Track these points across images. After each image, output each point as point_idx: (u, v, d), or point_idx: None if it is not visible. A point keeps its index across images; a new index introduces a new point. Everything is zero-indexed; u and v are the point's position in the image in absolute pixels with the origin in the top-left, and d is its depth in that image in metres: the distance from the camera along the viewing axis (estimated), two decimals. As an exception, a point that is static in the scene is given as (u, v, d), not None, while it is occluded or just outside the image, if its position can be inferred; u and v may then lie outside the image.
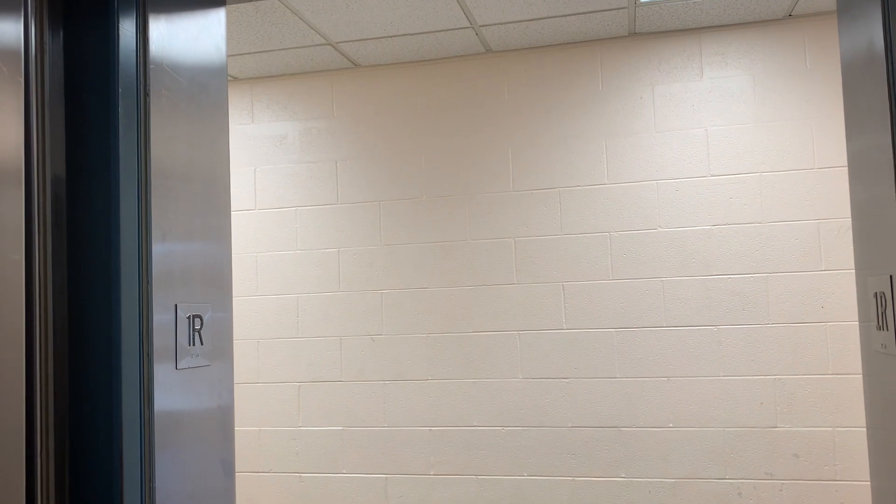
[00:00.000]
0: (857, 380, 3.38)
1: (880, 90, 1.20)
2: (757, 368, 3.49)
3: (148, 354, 1.22)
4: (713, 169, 3.59)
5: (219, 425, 1.47)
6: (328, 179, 4.03)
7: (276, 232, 4.08)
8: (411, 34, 3.58)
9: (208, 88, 1.55)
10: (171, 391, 1.29)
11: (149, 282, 1.24)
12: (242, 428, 3.96)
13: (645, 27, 3.61)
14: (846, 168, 3.44)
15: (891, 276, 1.15)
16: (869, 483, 3.33)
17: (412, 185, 3.93)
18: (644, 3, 3.31)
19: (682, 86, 3.66)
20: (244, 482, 3.95)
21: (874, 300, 1.23)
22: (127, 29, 1.26)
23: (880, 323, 1.20)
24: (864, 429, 3.35)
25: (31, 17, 1.15)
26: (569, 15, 3.43)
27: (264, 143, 4.13)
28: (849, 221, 3.43)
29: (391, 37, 3.60)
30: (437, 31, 3.56)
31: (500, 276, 3.79)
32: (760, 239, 3.52)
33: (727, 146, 3.59)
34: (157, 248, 1.27)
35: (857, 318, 3.38)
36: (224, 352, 1.50)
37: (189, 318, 1.34)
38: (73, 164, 1.23)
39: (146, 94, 1.27)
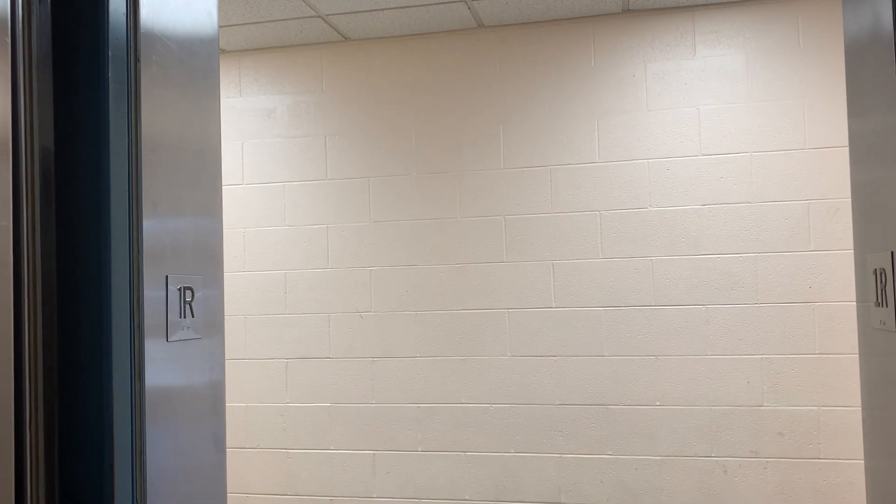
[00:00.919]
0: (843, 360, 3.41)
1: (887, 69, 1.18)
2: (744, 348, 3.51)
3: (139, 326, 1.20)
4: (704, 148, 3.59)
5: (210, 399, 1.45)
6: (317, 155, 4.00)
7: (264, 207, 4.04)
8: (402, 7, 3.53)
9: (199, 57, 1.52)
10: (162, 364, 1.27)
11: (139, 253, 1.21)
12: (230, 404, 3.95)
13: (638, 4, 3.58)
14: (837, 149, 3.44)
15: (892, 253, 1.15)
16: (852, 462, 3.37)
17: (402, 162, 3.90)
18: (638, -21, 3.28)
19: (675, 64, 3.64)
20: (232, 458, 3.95)
21: (873, 277, 1.22)
22: None
23: (879, 300, 1.20)
24: (849, 408, 3.38)
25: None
26: (562, -10, 3.39)
27: (252, 117, 4.07)
28: (839, 202, 3.44)
29: (382, 10, 3.55)
30: (428, 5, 3.51)
31: (489, 253, 3.78)
32: (750, 219, 3.53)
33: (719, 125, 3.58)
34: (148, 220, 1.25)
35: (844, 299, 3.41)
36: (215, 325, 1.48)
37: (180, 289, 1.32)
38: (61, 133, 1.19)
39: (136, 61, 1.24)
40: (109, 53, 1.19)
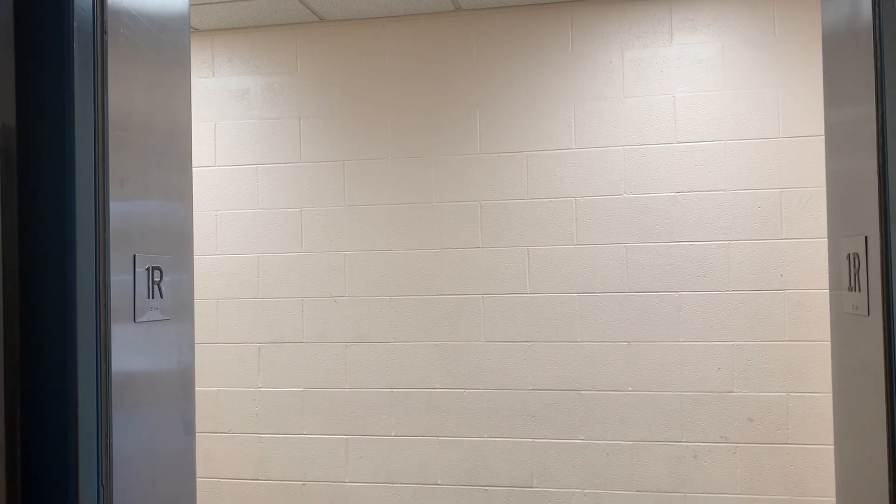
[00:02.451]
0: (813, 346, 3.46)
1: (865, 60, 1.18)
2: (715, 334, 3.54)
3: (105, 306, 1.17)
4: (680, 136, 3.60)
5: (179, 382, 1.43)
6: (291, 137, 3.95)
7: (236, 190, 3.98)
8: (379, -11, 3.48)
9: (169, 32, 1.48)
10: (130, 346, 1.24)
11: (106, 232, 1.17)
12: (201, 388, 3.91)
13: (616, -10, 3.57)
14: (811, 138, 3.47)
15: (865, 237, 1.16)
16: (819, 446, 3.42)
17: (377, 145, 3.87)
18: (617, -36, 3.27)
19: (652, 51, 3.64)
20: (203, 443, 3.91)
21: (847, 262, 1.23)
22: None
23: (852, 284, 1.21)
24: (817, 394, 3.44)
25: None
26: (540, -26, 3.36)
27: (225, 98, 4.01)
28: (811, 191, 3.48)
29: (358, -9, 3.50)
30: (405, -13, 3.47)
31: (465, 239, 3.77)
32: (723, 206, 3.55)
33: (694, 113, 3.59)
34: (115, 199, 1.21)
35: (815, 286, 3.45)
36: (184, 307, 1.45)
37: (148, 269, 1.29)
38: (23, 107, 1.15)
39: (104, 33, 1.20)
40: (74, 24, 1.14)
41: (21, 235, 1.13)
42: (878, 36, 1.11)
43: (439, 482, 3.76)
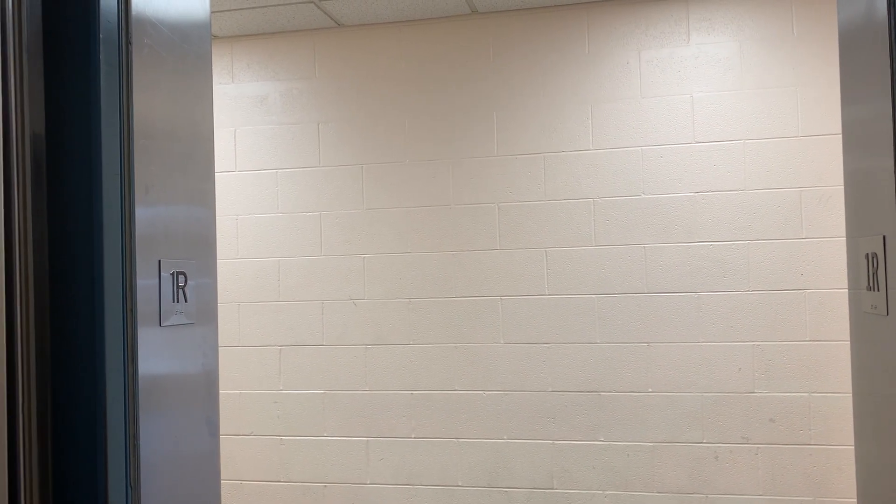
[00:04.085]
0: (834, 346, 3.43)
1: (881, 57, 1.18)
2: (736, 335, 3.52)
3: (132, 311, 1.19)
4: (698, 136, 3.59)
5: (204, 385, 1.45)
6: (310, 141, 3.98)
7: (256, 194, 4.03)
8: (396, -7, 3.51)
9: (191, 41, 1.51)
10: (156, 349, 1.27)
11: (132, 237, 1.20)
12: (224, 391, 3.95)
13: (633, -9, 3.57)
14: (830, 136, 3.45)
15: (884, 237, 1.15)
16: (842, 447, 3.40)
17: (395, 149, 3.89)
18: (633, -35, 3.27)
19: (669, 51, 3.63)
20: (225, 445, 3.95)
21: (865, 262, 1.23)
22: None
23: (871, 284, 1.21)
24: (840, 395, 3.41)
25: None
26: (556, -24, 3.37)
27: (245, 104, 4.05)
28: (831, 190, 3.45)
29: (375, -4, 3.53)
30: (422, -9, 3.49)
31: (483, 241, 3.78)
32: (742, 206, 3.54)
33: (712, 113, 3.58)
34: (140, 204, 1.24)
35: (836, 286, 3.43)
36: (209, 311, 1.48)
37: (173, 274, 1.32)
38: (52, 116, 1.18)
39: (128, 43, 1.22)
40: (101, 35, 1.17)
41: (50, 242, 1.16)
42: (892, 33, 1.11)
43: (459, 484, 3.77)
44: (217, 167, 3.98)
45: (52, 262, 1.16)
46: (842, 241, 3.41)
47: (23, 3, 1.12)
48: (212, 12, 3.78)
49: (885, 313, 1.16)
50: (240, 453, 3.99)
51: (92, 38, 1.18)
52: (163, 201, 1.34)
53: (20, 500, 1.06)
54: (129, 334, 1.20)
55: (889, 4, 1.14)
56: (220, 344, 3.99)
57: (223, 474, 3.88)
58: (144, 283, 1.24)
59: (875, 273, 1.18)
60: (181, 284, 1.34)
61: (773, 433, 3.48)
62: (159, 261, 1.28)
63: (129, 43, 1.21)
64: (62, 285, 1.16)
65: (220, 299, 4.00)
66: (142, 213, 1.25)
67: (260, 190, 4.02)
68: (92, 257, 1.17)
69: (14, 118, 1.09)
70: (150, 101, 1.31)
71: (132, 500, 1.19)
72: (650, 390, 3.60)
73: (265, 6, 3.62)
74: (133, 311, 1.20)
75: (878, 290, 1.18)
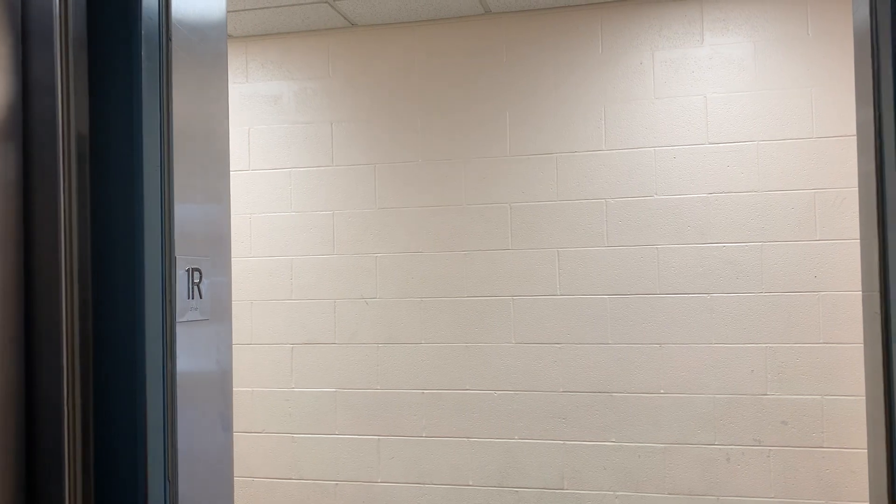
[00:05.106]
0: (848, 349, 3.41)
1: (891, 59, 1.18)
2: (748, 336, 3.51)
3: (171, 306, 1.20)
4: (711, 137, 3.58)
5: (218, 381, 1.47)
6: (323, 141, 4.00)
7: (269, 193, 4.05)
8: (410, -7, 3.52)
9: (209, 41, 1.52)
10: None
11: (171, 235, 1.20)
12: (236, 388, 3.97)
13: (647, -9, 3.56)
14: (844, 138, 3.43)
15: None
16: (855, 451, 3.38)
17: (408, 148, 3.90)
18: (647, -35, 3.26)
19: (683, 52, 3.63)
20: (237, 442, 3.97)
21: (879, 264, 1.23)
22: None
23: (884, 287, 1.21)
24: (853, 397, 3.39)
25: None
26: (570, -23, 3.37)
27: (259, 103, 4.08)
28: (845, 192, 3.43)
29: (389, -4, 3.54)
30: (436, -9, 3.50)
31: (495, 241, 3.79)
32: (756, 208, 3.52)
33: (726, 114, 3.57)
34: (177, 204, 1.24)
35: (850, 289, 3.41)
36: (223, 308, 1.49)
37: (188, 271, 1.33)
38: (95, 116, 1.17)
39: (168, 41, 1.22)
40: (142, 32, 1.17)
41: (93, 239, 1.16)
42: (874, 37, 1.09)
43: (470, 483, 3.78)
44: (231, 166, 4.01)
45: (95, 260, 1.16)
46: (856, 244, 3.39)
47: (69, 2, 1.12)
48: (227, 12, 3.80)
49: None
50: (251, 450, 4.01)
51: (134, 35, 1.18)
52: (181, 199, 1.35)
53: (65, 492, 1.07)
54: (168, 330, 1.21)
55: (872, 9, 1.12)
56: (232, 341, 4.02)
57: (235, 472, 3.90)
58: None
59: (889, 275, 1.18)
60: (196, 281, 1.35)
61: (786, 435, 3.47)
62: (175, 257, 1.29)
63: (168, 40, 1.22)
64: (104, 282, 1.17)
65: (233, 297, 4.02)
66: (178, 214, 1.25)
67: (273, 189, 4.04)
68: (133, 255, 1.17)
69: (61, 118, 1.10)
70: (180, 102, 1.32)
71: (169, 495, 1.20)
72: (662, 391, 3.59)
73: (280, 6, 3.64)
74: (172, 307, 1.21)
75: (893, 292, 1.17)
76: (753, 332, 3.51)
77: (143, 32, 1.17)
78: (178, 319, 1.30)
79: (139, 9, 1.18)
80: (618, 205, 3.66)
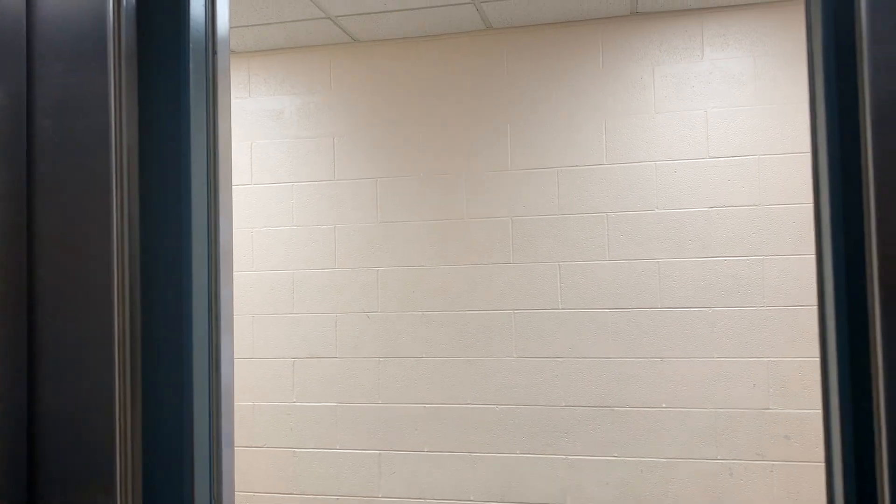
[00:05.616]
0: (850, 363, 3.40)
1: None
2: (751, 350, 3.50)
3: (216, 317, 1.18)
4: (712, 151, 3.59)
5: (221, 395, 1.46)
6: (325, 155, 4.01)
7: (271, 207, 4.06)
8: (411, 9, 3.54)
9: (219, 54, 1.53)
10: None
11: (217, 246, 1.19)
12: (237, 402, 3.96)
13: (647, 7, 3.59)
14: (845, 152, 3.44)
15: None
16: (859, 465, 3.36)
17: (410, 162, 3.91)
18: (647, -19, 3.29)
19: (683, 67, 3.64)
20: (238, 457, 3.96)
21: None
22: None
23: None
24: (856, 411, 3.37)
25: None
26: (571, -8, 3.40)
27: (261, 118, 4.09)
28: (846, 205, 3.43)
29: (391, 11, 3.57)
30: (437, 6, 3.52)
31: (496, 254, 3.79)
32: (757, 221, 3.53)
33: (726, 128, 3.58)
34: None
35: (851, 302, 3.40)
36: (225, 320, 1.49)
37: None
38: (143, 128, 1.17)
39: (214, 53, 1.21)
40: (190, 45, 1.17)
41: (142, 251, 1.15)
42: (812, 58, 1.08)
43: (472, 498, 3.76)
44: (234, 180, 4.02)
45: (144, 275, 1.15)
46: (858, 257, 3.39)
47: (122, 14, 1.12)
48: (230, 27, 3.83)
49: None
50: (253, 465, 4.00)
51: (183, 49, 1.17)
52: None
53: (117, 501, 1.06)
54: (214, 342, 1.19)
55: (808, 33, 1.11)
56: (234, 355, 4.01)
57: (236, 486, 3.89)
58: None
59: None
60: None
61: (789, 450, 3.45)
62: (220, 269, 1.29)
63: (214, 52, 1.21)
64: (151, 294, 1.15)
65: (234, 311, 4.02)
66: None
67: (275, 202, 4.05)
68: (181, 268, 1.15)
69: (114, 131, 1.09)
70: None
71: None
72: (664, 405, 3.58)
73: (282, 22, 3.67)
74: (217, 319, 1.20)
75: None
76: (755, 346, 3.50)
77: (190, 45, 1.17)
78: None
79: (188, 22, 1.17)
80: (619, 218, 3.67)
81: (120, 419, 1.07)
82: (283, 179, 4.05)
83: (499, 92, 3.83)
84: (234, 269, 4.01)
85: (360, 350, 3.92)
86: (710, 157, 3.59)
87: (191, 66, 1.17)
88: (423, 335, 3.85)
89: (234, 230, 4.08)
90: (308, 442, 3.95)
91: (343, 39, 3.94)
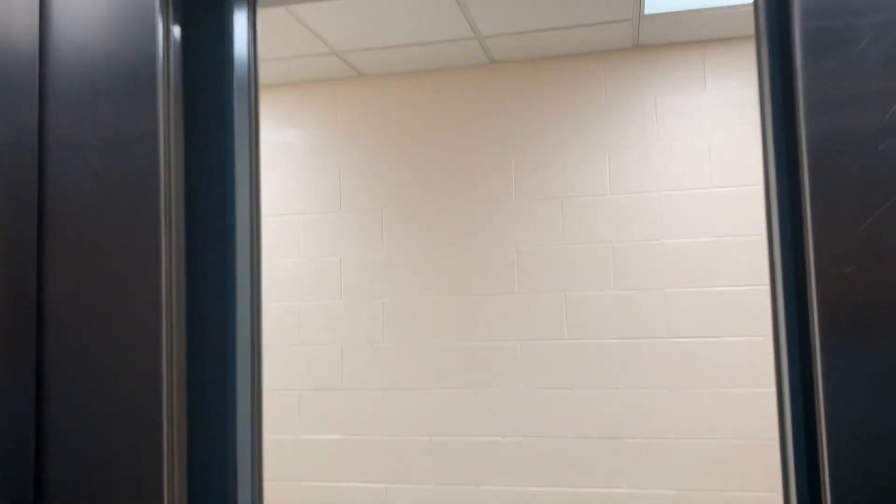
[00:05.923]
0: (860, 392, 3.37)
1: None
2: (759, 380, 3.48)
3: (257, 337, 1.20)
4: (716, 180, 3.60)
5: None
6: (331, 187, 4.05)
7: (278, 239, 4.08)
8: (416, 44, 3.60)
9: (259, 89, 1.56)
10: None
11: (258, 275, 1.21)
12: (243, 435, 3.95)
13: (649, 39, 3.63)
14: (849, 180, 3.44)
15: None
16: (871, 496, 3.31)
17: (415, 194, 3.94)
18: (648, 15, 3.33)
19: (686, 98, 3.67)
20: (244, 490, 3.93)
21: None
22: (239, 18, 1.23)
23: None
24: (867, 442, 3.33)
25: (158, 15, 1.13)
26: (573, 27, 3.44)
27: (268, 150, 4.14)
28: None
29: (396, 47, 3.62)
30: (441, 42, 3.58)
31: (501, 285, 3.80)
32: (763, 251, 3.52)
33: (731, 158, 3.60)
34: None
35: (859, 331, 3.38)
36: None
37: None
38: (189, 162, 1.19)
39: (256, 89, 1.23)
40: (234, 83, 1.19)
41: (188, 279, 1.17)
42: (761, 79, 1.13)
43: (479, 531, 3.72)
44: (240, 213, 4.05)
45: (189, 302, 1.17)
46: (864, 286, 3.37)
47: (171, 48, 1.15)
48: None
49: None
50: (259, 499, 3.97)
51: (226, 86, 1.18)
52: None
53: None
54: (257, 361, 1.21)
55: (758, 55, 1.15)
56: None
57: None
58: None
59: None
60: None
61: (800, 482, 3.40)
62: (261, 301, 1.31)
63: (256, 89, 1.24)
64: (198, 315, 1.17)
65: (241, 343, 4.03)
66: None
67: (282, 234, 4.08)
68: (225, 298, 1.17)
69: (163, 167, 1.11)
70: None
71: None
72: (672, 436, 3.55)
73: (289, 58, 3.73)
74: (258, 338, 1.21)
75: None
76: (763, 376, 3.47)
77: (234, 82, 1.19)
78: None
79: (232, 59, 1.19)
80: (624, 248, 3.67)
81: (168, 462, 1.08)
82: (289, 211, 4.08)
83: (503, 124, 3.87)
84: (241, 302, 4.03)
85: (366, 382, 3.91)
86: (715, 187, 3.60)
87: (235, 102, 1.19)
88: (429, 366, 3.84)
89: (241, 262, 4.10)
90: (314, 474, 3.93)
91: (349, 74, 4.00)
